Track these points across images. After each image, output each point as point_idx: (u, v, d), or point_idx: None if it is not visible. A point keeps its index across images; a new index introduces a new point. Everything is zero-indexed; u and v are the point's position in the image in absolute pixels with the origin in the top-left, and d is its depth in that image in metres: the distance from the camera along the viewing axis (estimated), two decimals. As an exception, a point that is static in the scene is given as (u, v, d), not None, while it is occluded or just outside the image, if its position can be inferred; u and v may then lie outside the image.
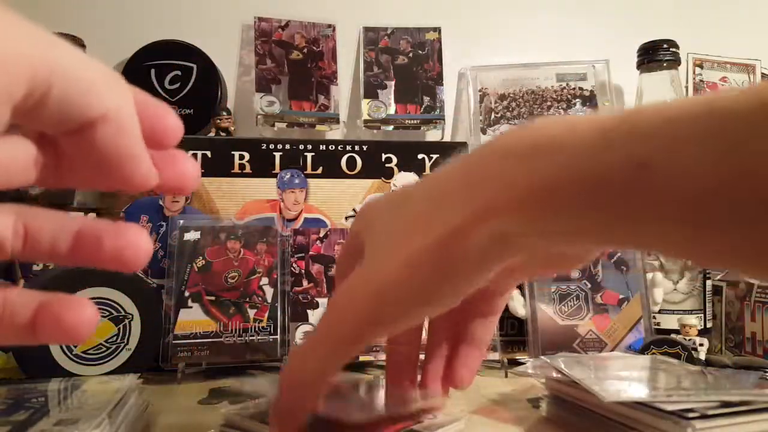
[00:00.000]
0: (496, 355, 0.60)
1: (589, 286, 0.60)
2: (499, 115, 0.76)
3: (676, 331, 0.60)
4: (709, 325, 0.66)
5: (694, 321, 0.59)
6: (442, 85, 0.82)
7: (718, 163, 0.15)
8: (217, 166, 0.69)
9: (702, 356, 0.56)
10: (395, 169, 0.71)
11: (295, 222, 0.68)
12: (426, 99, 0.81)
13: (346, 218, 0.69)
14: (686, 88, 0.82)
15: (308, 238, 0.62)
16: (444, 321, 0.28)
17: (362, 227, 0.24)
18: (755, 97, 0.15)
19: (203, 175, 0.68)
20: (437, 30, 0.85)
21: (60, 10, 0.82)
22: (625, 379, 0.41)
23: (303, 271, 0.61)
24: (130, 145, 0.16)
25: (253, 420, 0.35)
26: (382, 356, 0.58)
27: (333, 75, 0.81)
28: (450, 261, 0.19)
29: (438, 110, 0.81)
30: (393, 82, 0.82)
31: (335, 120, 0.79)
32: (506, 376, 0.57)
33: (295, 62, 0.80)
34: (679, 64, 0.76)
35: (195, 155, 0.69)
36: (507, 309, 0.59)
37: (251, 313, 0.58)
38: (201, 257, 0.59)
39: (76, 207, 0.70)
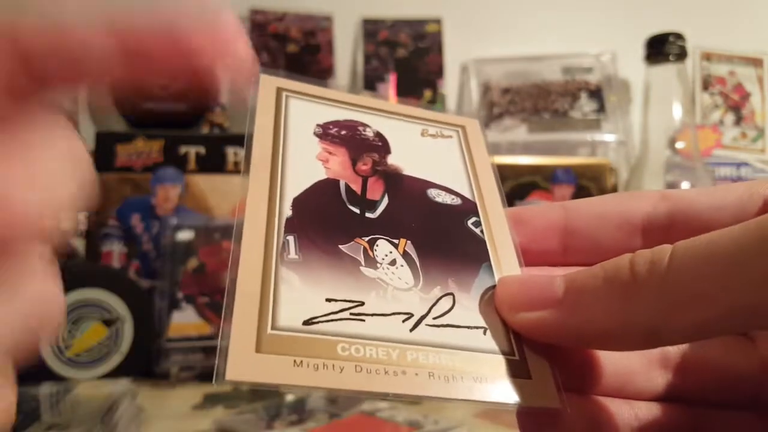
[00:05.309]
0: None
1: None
2: (502, 109, 0.75)
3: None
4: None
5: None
6: (443, 78, 0.80)
7: None
8: (211, 163, 0.67)
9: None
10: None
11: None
12: (427, 92, 0.79)
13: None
14: (693, 82, 0.80)
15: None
16: None
17: None
18: None
19: (197, 172, 0.67)
20: (438, 21, 0.83)
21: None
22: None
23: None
24: None
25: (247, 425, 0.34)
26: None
27: (330, 68, 0.79)
28: None
29: (439, 104, 0.79)
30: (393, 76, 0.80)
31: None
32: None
33: (292, 55, 0.78)
34: (686, 57, 0.74)
35: (188, 152, 0.67)
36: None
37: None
38: (194, 257, 0.58)
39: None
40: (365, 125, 0.22)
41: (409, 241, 0.19)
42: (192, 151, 0.67)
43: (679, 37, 0.74)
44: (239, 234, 0.17)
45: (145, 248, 0.63)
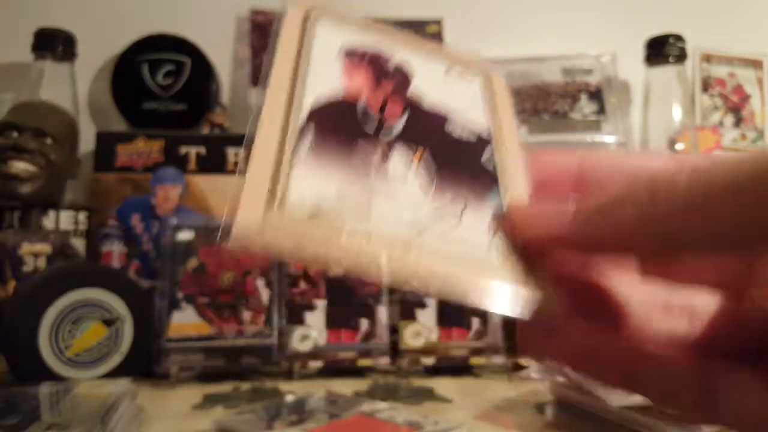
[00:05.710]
0: (500, 359, 0.59)
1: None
2: (502, 110, 0.75)
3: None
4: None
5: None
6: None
7: None
8: (211, 163, 0.67)
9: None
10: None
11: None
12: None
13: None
14: (693, 83, 0.81)
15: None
16: None
17: None
18: None
19: (197, 172, 0.67)
20: (439, 22, 0.83)
21: (49, 3, 0.80)
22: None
23: (300, 272, 0.60)
24: None
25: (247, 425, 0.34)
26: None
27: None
28: None
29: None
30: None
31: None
32: (510, 380, 0.56)
33: (292, 56, 0.78)
34: (686, 59, 0.75)
35: (188, 152, 0.67)
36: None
37: (247, 315, 0.56)
38: (194, 257, 0.57)
39: (66, 206, 0.68)
40: (391, 54, 0.22)
41: (426, 153, 0.19)
42: (192, 151, 0.67)
43: (678, 38, 0.74)
44: (257, 119, 0.17)
45: (145, 248, 0.63)
